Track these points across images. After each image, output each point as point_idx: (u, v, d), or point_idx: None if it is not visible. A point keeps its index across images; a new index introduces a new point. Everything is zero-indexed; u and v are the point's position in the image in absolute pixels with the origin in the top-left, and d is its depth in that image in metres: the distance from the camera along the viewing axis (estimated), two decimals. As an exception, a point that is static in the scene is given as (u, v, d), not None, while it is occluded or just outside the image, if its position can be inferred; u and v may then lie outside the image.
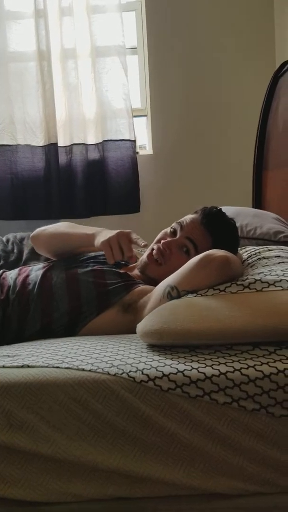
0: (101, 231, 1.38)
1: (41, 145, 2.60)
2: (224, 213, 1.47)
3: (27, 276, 1.41)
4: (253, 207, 2.34)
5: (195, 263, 1.20)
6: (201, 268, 1.18)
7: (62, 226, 1.52)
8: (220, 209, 1.47)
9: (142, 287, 1.37)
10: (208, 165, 2.77)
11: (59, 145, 2.61)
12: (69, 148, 2.63)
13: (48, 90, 2.58)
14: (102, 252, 1.39)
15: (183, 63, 2.76)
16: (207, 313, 1.07)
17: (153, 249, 1.41)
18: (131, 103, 2.63)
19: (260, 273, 1.20)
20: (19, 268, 1.51)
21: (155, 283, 1.35)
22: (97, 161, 2.63)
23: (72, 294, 1.34)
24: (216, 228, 1.41)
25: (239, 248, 1.52)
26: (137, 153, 2.70)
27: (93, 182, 2.63)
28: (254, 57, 2.75)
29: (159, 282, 1.31)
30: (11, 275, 1.45)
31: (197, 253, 1.35)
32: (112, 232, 1.32)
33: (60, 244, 1.48)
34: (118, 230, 1.32)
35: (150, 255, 1.41)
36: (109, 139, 2.63)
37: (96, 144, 2.63)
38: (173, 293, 1.19)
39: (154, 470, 0.96)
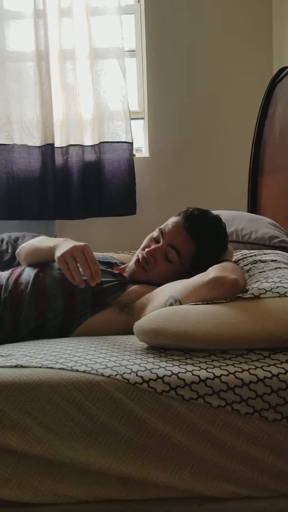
0: (60, 244, 1.32)
1: (37, 145, 2.60)
2: (206, 213, 1.44)
3: (20, 275, 1.40)
4: (248, 212, 2.35)
5: (204, 282, 1.18)
6: (211, 290, 1.16)
7: (36, 241, 1.50)
8: (202, 210, 1.44)
9: (138, 285, 1.38)
10: (204, 169, 2.78)
11: (55, 145, 2.61)
12: (66, 149, 2.63)
13: (46, 90, 2.58)
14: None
15: (181, 67, 2.77)
16: (205, 318, 1.07)
17: (138, 256, 1.41)
18: (129, 106, 2.64)
19: (257, 281, 1.20)
20: (12, 268, 1.50)
21: (149, 282, 1.35)
22: (93, 162, 2.63)
23: (66, 293, 1.33)
24: (199, 232, 1.39)
25: (234, 252, 1.52)
26: (134, 155, 2.70)
27: (89, 183, 2.63)
28: (251, 63, 2.76)
29: (154, 282, 1.33)
30: (3, 274, 1.44)
31: (180, 258, 1.37)
32: (69, 245, 1.26)
33: (35, 259, 1.46)
34: (72, 245, 1.25)
35: (137, 262, 1.41)
36: (106, 140, 2.63)
37: (93, 146, 2.63)
38: (175, 306, 1.18)
39: (146, 472, 0.96)
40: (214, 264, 1.27)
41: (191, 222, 1.39)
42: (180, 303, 1.18)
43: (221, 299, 1.15)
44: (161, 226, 1.43)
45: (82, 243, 1.27)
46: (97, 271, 1.23)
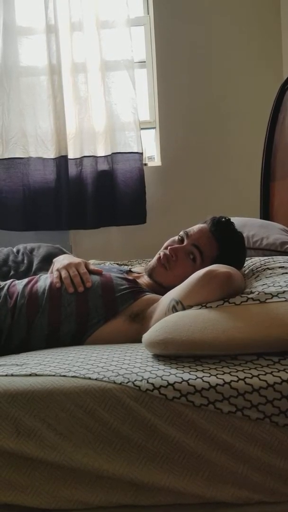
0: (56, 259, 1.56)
1: (52, 157, 2.65)
2: (232, 222, 1.51)
3: (36, 283, 1.44)
4: (260, 218, 2.36)
5: (198, 278, 1.21)
6: (205, 284, 1.19)
7: None
8: (229, 219, 1.51)
9: (150, 295, 1.40)
10: (215, 176, 2.80)
11: (69, 157, 2.65)
12: (79, 160, 2.68)
13: (59, 103, 2.63)
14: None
15: (191, 76, 2.80)
16: (212, 324, 1.08)
17: (160, 254, 1.46)
18: (139, 117, 2.67)
19: (264, 284, 1.22)
20: (28, 277, 1.54)
21: (162, 292, 1.37)
22: (107, 173, 2.67)
23: (80, 300, 1.37)
24: (224, 236, 1.45)
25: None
26: (146, 164, 2.74)
27: (103, 193, 2.67)
28: (261, 70, 2.78)
29: (166, 289, 1.35)
30: (20, 283, 1.48)
31: (202, 260, 1.40)
32: (64, 263, 1.47)
33: None
34: (68, 262, 1.47)
35: (158, 259, 1.46)
36: (118, 151, 2.67)
37: (106, 156, 2.67)
38: (178, 308, 1.21)
39: (159, 478, 0.97)
40: None
41: (217, 226, 1.46)
42: (182, 304, 1.21)
43: (217, 293, 1.17)
44: (186, 230, 1.49)
45: (78, 260, 1.48)
46: (87, 279, 1.40)
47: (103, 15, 2.65)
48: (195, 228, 1.48)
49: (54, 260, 1.58)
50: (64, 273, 1.42)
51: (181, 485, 0.97)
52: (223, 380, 0.99)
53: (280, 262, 1.39)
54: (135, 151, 2.66)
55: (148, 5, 2.84)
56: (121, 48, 2.65)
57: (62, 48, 2.64)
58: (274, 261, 1.41)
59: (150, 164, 2.83)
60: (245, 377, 1.00)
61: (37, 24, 2.63)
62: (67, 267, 1.44)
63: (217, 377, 1.00)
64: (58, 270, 1.45)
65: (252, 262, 1.49)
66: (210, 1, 2.77)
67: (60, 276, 1.42)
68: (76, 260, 1.49)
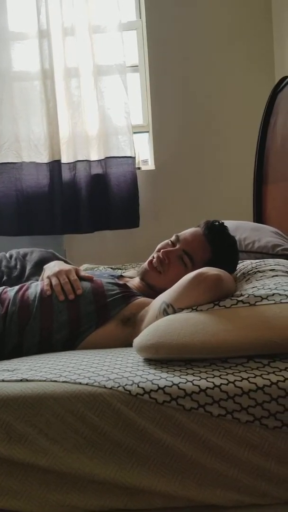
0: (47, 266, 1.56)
1: (45, 162, 2.65)
2: (226, 227, 1.51)
3: (26, 290, 1.44)
4: (253, 221, 2.36)
5: (188, 281, 1.22)
6: (194, 287, 1.20)
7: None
8: (223, 222, 1.52)
9: (141, 299, 1.40)
10: (208, 180, 2.81)
11: (62, 161, 2.66)
12: (73, 165, 2.68)
13: (52, 108, 2.64)
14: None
15: (183, 80, 2.81)
16: (202, 327, 1.09)
17: (153, 257, 1.47)
18: (132, 121, 2.68)
19: (254, 287, 1.22)
20: (19, 284, 1.54)
21: (154, 295, 1.38)
22: (100, 177, 2.68)
23: (71, 307, 1.37)
24: (217, 240, 1.45)
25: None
26: (139, 168, 2.74)
27: (96, 198, 2.67)
28: (253, 74, 2.79)
29: (158, 292, 1.35)
30: (12, 290, 1.48)
31: (193, 264, 1.41)
32: (54, 270, 1.47)
33: None
34: (58, 269, 1.46)
35: (150, 262, 1.46)
36: (111, 155, 2.67)
37: (99, 161, 2.68)
38: (169, 311, 1.22)
39: (150, 482, 0.97)
40: None
41: (211, 229, 1.46)
42: (172, 306, 1.22)
43: (207, 296, 1.18)
44: (179, 233, 1.49)
45: (69, 267, 1.48)
46: (77, 286, 1.39)
47: (95, 20, 2.66)
48: (188, 232, 1.49)
49: (45, 267, 1.57)
50: (54, 281, 1.42)
51: (172, 489, 0.97)
52: (213, 383, 1.00)
53: (271, 265, 1.39)
54: (128, 155, 2.67)
55: (140, 9, 2.86)
56: (114, 53, 2.66)
57: (54, 53, 2.65)
58: (265, 264, 1.42)
59: (143, 168, 2.84)
60: (234, 380, 1.00)
61: (30, 29, 2.64)
62: (57, 274, 1.43)
63: (207, 381, 1.00)
64: (48, 277, 1.45)
65: (243, 265, 1.50)
66: (202, 6, 2.79)
67: (50, 284, 1.42)
68: (67, 267, 1.49)
